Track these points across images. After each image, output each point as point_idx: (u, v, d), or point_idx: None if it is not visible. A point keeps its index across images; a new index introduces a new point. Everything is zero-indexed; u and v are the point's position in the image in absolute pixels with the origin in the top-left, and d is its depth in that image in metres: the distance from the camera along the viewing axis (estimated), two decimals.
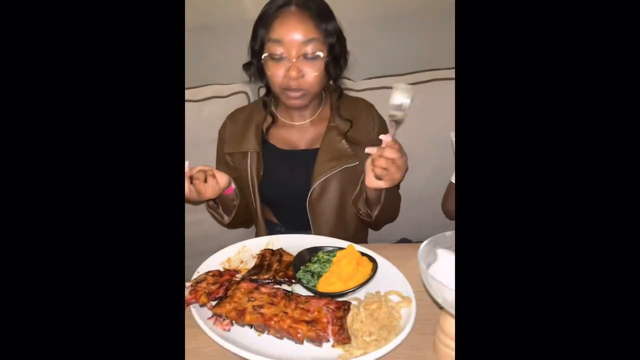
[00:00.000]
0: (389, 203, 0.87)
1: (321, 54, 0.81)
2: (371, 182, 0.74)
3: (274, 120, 0.94)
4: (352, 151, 0.88)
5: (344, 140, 0.89)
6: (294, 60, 0.80)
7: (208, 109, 1.06)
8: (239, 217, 0.94)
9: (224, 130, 0.97)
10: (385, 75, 1.09)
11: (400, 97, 0.69)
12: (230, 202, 0.90)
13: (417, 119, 1.06)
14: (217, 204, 0.91)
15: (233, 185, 0.86)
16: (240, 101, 1.07)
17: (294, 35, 0.79)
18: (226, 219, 0.93)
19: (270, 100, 0.95)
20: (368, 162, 0.73)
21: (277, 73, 0.82)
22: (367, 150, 0.73)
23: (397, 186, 0.93)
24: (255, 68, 0.88)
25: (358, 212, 0.94)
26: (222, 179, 0.80)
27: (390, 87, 1.04)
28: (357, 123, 0.92)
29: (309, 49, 0.80)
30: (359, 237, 0.98)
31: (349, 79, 1.06)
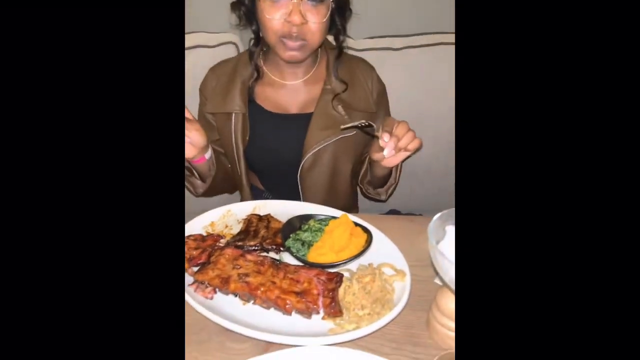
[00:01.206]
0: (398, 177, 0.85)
1: None
2: (390, 161, 0.67)
3: (259, 75, 0.83)
4: (349, 118, 0.80)
5: (340, 106, 0.80)
6: (296, 1, 0.68)
7: (192, 59, 0.96)
8: (214, 187, 0.85)
9: (206, 85, 0.87)
10: (388, 35, 1.01)
11: None
12: (206, 171, 0.81)
13: (419, 85, 1.00)
14: (190, 171, 0.80)
15: (207, 156, 0.76)
16: (228, 53, 0.97)
17: None
18: (200, 189, 0.84)
19: (258, 51, 0.83)
20: (389, 145, 0.65)
21: (274, 16, 0.70)
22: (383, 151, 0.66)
23: None
24: (246, 8, 0.76)
25: (366, 192, 0.90)
26: (197, 139, 0.70)
27: (394, 49, 0.99)
28: (355, 86, 0.83)
29: None
30: (349, 208, 0.93)
31: (349, 37, 0.98)
